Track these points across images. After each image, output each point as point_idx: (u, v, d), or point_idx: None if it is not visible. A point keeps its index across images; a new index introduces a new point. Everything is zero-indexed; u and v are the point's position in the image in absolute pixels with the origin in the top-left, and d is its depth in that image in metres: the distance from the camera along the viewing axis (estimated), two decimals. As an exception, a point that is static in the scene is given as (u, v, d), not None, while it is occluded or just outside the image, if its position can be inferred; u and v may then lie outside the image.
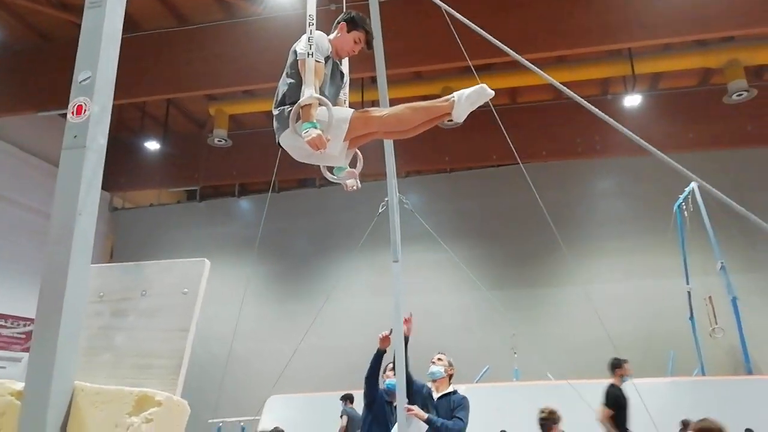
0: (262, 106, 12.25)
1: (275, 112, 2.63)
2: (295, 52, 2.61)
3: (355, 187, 3.11)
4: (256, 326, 12.81)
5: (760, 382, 8.63)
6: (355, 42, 2.82)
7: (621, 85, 12.04)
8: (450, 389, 4.23)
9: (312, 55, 2.51)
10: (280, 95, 2.66)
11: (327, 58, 2.68)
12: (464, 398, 4.18)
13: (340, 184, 3.11)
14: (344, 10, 2.94)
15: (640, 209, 12.24)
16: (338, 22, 2.83)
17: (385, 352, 4.55)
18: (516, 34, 8.60)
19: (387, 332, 4.43)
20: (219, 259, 12.10)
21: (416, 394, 4.46)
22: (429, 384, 4.39)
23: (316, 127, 2.37)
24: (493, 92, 2.52)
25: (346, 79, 2.99)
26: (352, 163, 3.01)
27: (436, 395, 4.24)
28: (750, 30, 8.54)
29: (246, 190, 15.50)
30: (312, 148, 2.36)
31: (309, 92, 2.45)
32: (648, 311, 11.30)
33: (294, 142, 2.56)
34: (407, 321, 4.44)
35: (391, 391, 4.64)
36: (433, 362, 4.30)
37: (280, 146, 2.68)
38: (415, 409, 3.98)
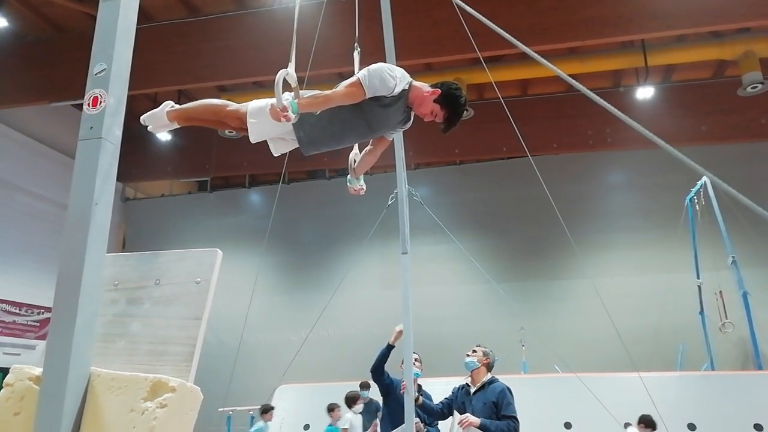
0: (272, 97, 12.25)
1: None
2: None
3: (361, 192, 3.16)
4: (265, 316, 12.90)
5: (770, 378, 8.56)
6: (432, 113, 2.58)
7: (633, 77, 11.90)
8: (487, 378, 4.21)
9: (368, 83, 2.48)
10: None
11: (402, 93, 2.54)
12: (503, 390, 4.07)
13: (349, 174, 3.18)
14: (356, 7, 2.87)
15: (651, 203, 12.14)
16: (438, 84, 2.59)
17: (393, 347, 4.66)
18: (527, 25, 8.53)
19: (400, 327, 4.52)
20: (229, 250, 12.09)
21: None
22: (466, 379, 4.36)
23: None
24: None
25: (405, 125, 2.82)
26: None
27: (472, 389, 4.21)
28: (767, 21, 8.41)
29: (256, 182, 15.56)
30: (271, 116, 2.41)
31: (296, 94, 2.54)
32: (657, 305, 11.23)
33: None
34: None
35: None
36: (468, 354, 4.31)
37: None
38: (469, 417, 3.88)
